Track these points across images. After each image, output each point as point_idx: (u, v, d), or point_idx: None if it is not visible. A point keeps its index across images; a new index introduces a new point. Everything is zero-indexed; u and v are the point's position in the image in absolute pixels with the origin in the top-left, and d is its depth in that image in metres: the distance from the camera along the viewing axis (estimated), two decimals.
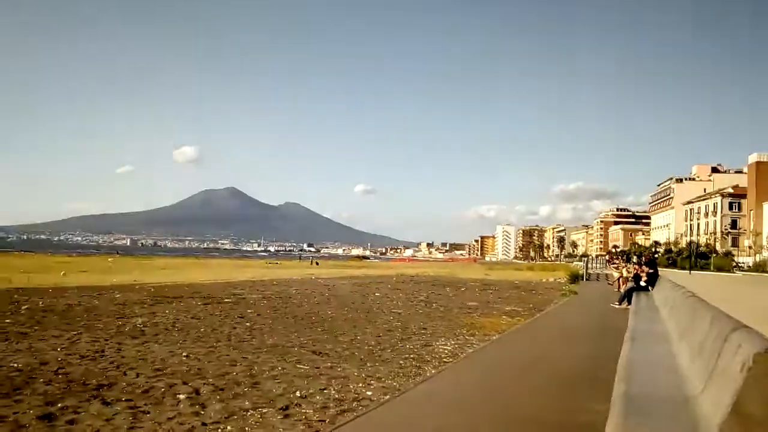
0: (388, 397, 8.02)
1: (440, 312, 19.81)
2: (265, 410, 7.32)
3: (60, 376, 8.90)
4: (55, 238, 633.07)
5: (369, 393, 8.30)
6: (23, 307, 17.55)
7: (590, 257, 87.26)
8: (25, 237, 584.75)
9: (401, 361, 10.86)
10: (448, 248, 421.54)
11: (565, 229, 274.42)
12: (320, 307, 19.97)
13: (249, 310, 18.45)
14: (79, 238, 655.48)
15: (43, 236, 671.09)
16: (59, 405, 7.33)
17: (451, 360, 11.13)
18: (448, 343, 13.11)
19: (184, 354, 10.95)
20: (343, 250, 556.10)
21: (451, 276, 49.98)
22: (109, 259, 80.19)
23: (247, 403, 7.64)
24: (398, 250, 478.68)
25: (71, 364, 9.83)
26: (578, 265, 63.65)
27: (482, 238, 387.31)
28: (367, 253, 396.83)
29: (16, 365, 9.58)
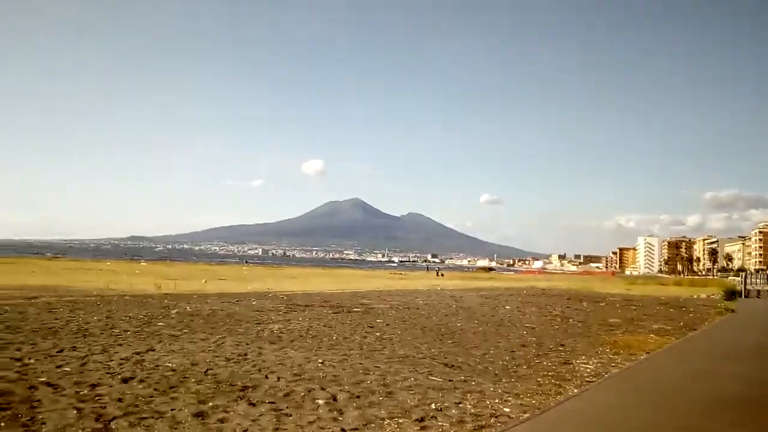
0: (527, 414, 7.90)
1: (578, 328, 19.09)
2: (401, 420, 7.45)
3: (209, 377, 9.48)
4: (196, 248, 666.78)
5: (507, 410, 8.20)
6: (173, 312, 18.74)
7: (749, 271, 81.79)
8: (170, 247, 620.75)
9: (539, 379, 10.63)
10: (582, 260, 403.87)
11: (717, 241, 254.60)
12: (449, 319, 19.96)
13: (378, 320, 18.75)
14: (217, 248, 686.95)
15: (185, 246, 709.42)
16: (210, 404, 7.81)
17: (594, 379, 10.76)
18: (590, 362, 12.66)
19: (319, 361, 11.33)
20: (468, 261, 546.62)
21: (588, 290, 48.05)
22: (244, 268, 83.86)
23: (382, 412, 7.80)
24: (527, 262, 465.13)
25: (218, 365, 10.43)
26: (734, 281, 58.74)
27: (621, 249, 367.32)
28: (493, 264, 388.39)
29: (170, 365, 10.28)
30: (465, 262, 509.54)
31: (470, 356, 12.68)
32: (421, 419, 7.52)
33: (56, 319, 15.96)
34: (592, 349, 14.51)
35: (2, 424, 6.58)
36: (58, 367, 9.77)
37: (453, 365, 11.51)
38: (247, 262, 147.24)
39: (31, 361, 10.15)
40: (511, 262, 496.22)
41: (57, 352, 11.10)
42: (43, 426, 6.59)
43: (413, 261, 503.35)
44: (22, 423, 6.64)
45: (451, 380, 10.03)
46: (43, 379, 8.80)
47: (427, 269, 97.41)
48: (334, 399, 8.38)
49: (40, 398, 7.72)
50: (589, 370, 11.70)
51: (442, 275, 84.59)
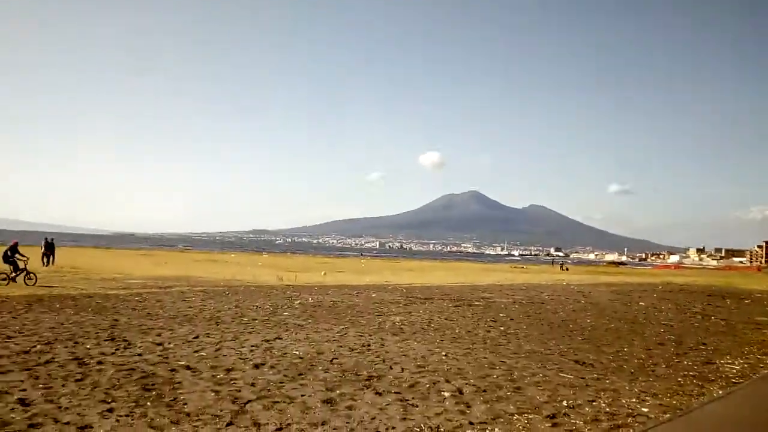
0: (668, 415, 7.55)
1: (721, 326, 18.02)
2: (531, 416, 7.31)
3: (335, 366, 9.69)
4: (314, 241, 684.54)
5: (645, 410, 7.86)
6: (296, 302, 19.30)
7: None
8: (289, 240, 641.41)
9: (679, 378, 10.11)
10: (723, 255, 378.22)
11: None
12: (577, 315, 19.41)
13: (501, 314, 18.51)
14: (334, 241, 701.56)
15: (304, 239, 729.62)
16: (337, 391, 7.98)
17: (741, 380, 10.15)
18: (736, 362, 11.94)
19: (443, 353, 11.31)
20: (596, 255, 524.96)
21: (730, 286, 45.11)
22: (362, 261, 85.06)
23: (511, 407, 7.68)
24: (661, 256, 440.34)
25: (343, 355, 10.65)
26: None
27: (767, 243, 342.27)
28: (624, 258, 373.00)
29: (297, 353, 10.62)
30: (592, 256, 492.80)
31: (602, 354, 12.26)
32: (553, 416, 7.36)
33: (190, 307, 16.81)
34: (737, 349, 13.65)
35: (148, 403, 6.97)
36: (195, 351, 10.29)
37: (584, 362, 11.17)
38: (363, 254, 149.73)
39: (171, 345, 10.74)
40: (644, 256, 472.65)
41: (193, 337, 11.70)
42: (185, 406, 6.94)
43: (535, 254, 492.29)
44: (167, 403, 7.01)
45: (582, 378, 9.75)
46: (183, 363, 9.28)
47: (552, 263, 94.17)
48: (460, 392, 8.33)
49: (180, 380, 8.14)
50: (734, 371, 11.03)
51: (567, 269, 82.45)
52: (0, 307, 14.96)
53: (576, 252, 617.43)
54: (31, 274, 23.65)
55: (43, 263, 34.54)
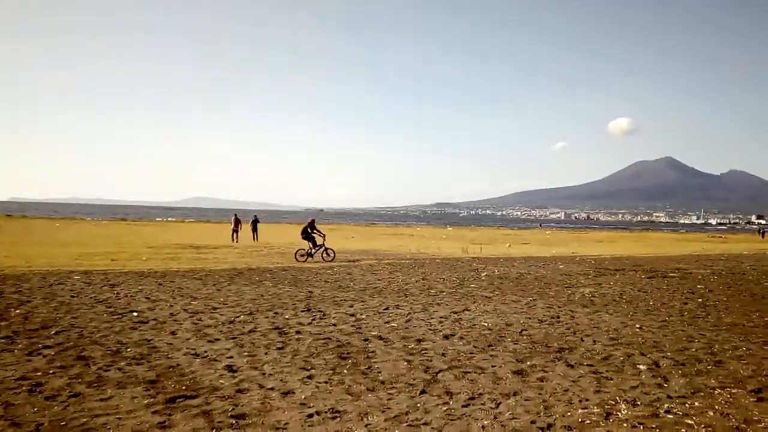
0: None
1: None
2: (734, 390, 6.89)
3: (524, 337, 9.66)
4: (498, 213, 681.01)
5: None
6: (482, 274, 19.46)
7: None
8: (473, 212, 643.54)
9: None
10: None
11: None
12: None
13: (698, 286, 17.51)
14: (519, 213, 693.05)
15: (488, 211, 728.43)
16: (528, 363, 7.96)
17: None
18: None
19: (636, 326, 10.92)
20: None
21: None
22: (546, 232, 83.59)
23: (712, 381, 7.29)
24: None
25: (532, 327, 10.58)
26: None
27: None
28: None
29: (486, 324, 10.70)
30: None
31: None
32: (758, 390, 6.89)
33: (379, 279, 17.43)
34: None
35: (345, 371, 7.36)
36: (386, 322, 10.68)
37: None
38: (540, 225, 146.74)
39: (363, 316, 11.23)
40: None
41: (384, 309, 12.15)
42: (379, 374, 7.25)
43: (734, 223, 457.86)
44: (362, 371, 7.37)
45: None
46: (375, 333, 9.68)
47: (761, 233, 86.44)
48: (657, 365, 8.01)
49: (373, 350, 8.50)
50: None
51: None
52: (205, 280, 16.29)
53: None
54: (329, 250, 25.08)
55: (254, 238, 37.38)
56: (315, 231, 25.21)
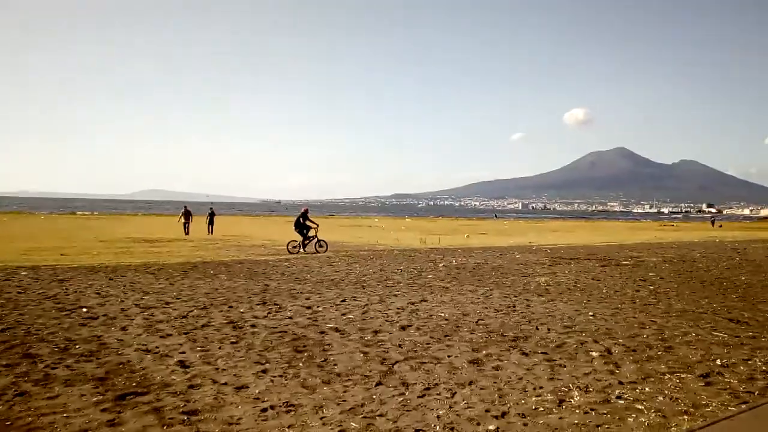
0: None
1: None
2: (683, 375, 7.03)
3: (480, 327, 9.73)
4: (457, 203, 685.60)
5: None
6: (440, 265, 19.57)
7: None
8: (431, 203, 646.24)
9: None
10: None
11: None
12: (731, 272, 18.45)
13: (650, 273, 17.87)
14: (477, 203, 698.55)
15: (446, 201, 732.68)
16: (484, 352, 8.01)
17: None
18: None
19: (590, 313, 11.09)
20: (750, 210, 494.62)
21: None
22: (504, 222, 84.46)
23: (662, 366, 7.43)
24: None
25: (488, 316, 10.67)
26: None
27: None
28: None
29: (443, 315, 10.76)
30: (746, 212, 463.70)
31: (758, 311, 11.62)
32: (706, 375, 7.05)
33: (336, 271, 17.40)
34: None
35: (300, 364, 7.31)
36: (343, 314, 10.65)
37: (739, 321, 10.62)
38: (495, 216, 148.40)
39: (320, 309, 11.18)
40: None
41: (341, 301, 12.12)
42: (335, 367, 7.22)
43: (686, 212, 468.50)
44: (318, 364, 7.33)
45: (737, 336, 9.28)
46: (331, 325, 9.64)
47: (712, 222, 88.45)
48: (609, 352, 8.14)
49: (330, 342, 8.47)
50: None
51: (720, 226, 78.36)
52: (158, 275, 16.03)
53: (729, 208, 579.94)
54: (322, 242, 24.87)
55: (209, 231, 36.86)
56: (308, 221, 24.81)
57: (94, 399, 5.92)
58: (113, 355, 7.58)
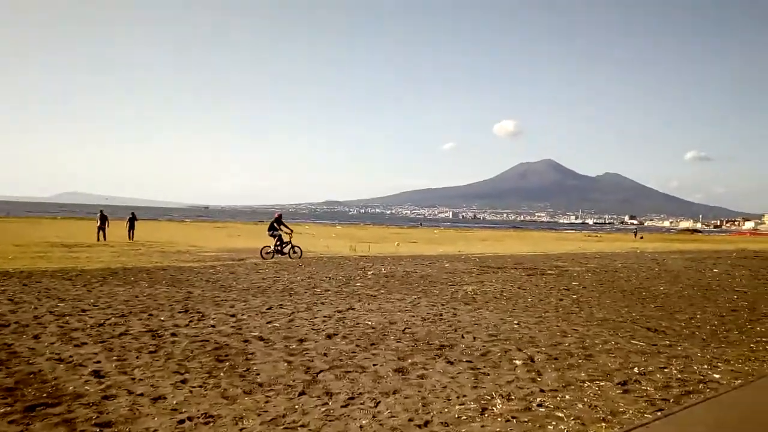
0: (740, 381, 7.37)
1: None
2: (602, 383, 7.17)
3: (407, 335, 9.72)
4: (388, 211, 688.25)
5: (716, 376, 7.66)
6: (369, 273, 19.51)
7: None
8: (363, 211, 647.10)
9: (752, 345, 9.86)
10: None
11: None
12: (650, 282, 19.03)
13: (574, 283, 18.27)
14: (408, 212, 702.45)
15: (377, 210, 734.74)
16: (409, 361, 7.99)
17: None
18: None
19: (515, 322, 11.23)
20: (670, 222, 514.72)
21: None
22: (435, 231, 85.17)
23: (582, 374, 7.56)
24: (735, 223, 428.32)
25: (415, 324, 10.67)
26: None
27: None
28: (698, 225, 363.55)
29: (370, 323, 10.70)
30: (666, 224, 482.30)
31: (675, 320, 11.99)
32: (624, 383, 7.21)
33: (263, 279, 17.15)
34: None
35: (222, 374, 7.13)
36: (269, 322, 10.47)
37: (656, 329, 10.94)
38: (420, 224, 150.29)
39: (244, 317, 10.96)
40: (718, 223, 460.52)
41: (266, 309, 11.92)
42: (258, 376, 7.07)
43: (609, 223, 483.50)
44: (240, 374, 7.16)
45: (654, 344, 9.54)
46: (256, 334, 9.46)
47: (634, 233, 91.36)
48: (532, 360, 8.25)
49: (253, 351, 8.29)
50: None
51: (642, 237, 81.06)
52: (75, 281, 15.48)
53: (651, 220, 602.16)
54: (296, 248, 24.61)
55: (129, 237, 35.83)
56: (282, 227, 24.58)
57: (2, 410, 5.64)
58: (24, 364, 7.24)
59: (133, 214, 38.58)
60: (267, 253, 24.09)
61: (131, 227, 36.81)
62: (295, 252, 24.48)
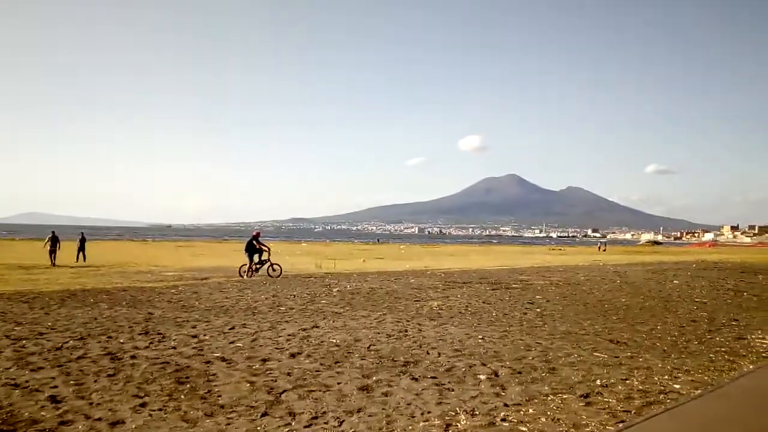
0: (699, 391, 7.46)
1: (753, 302, 17.92)
2: (565, 396, 7.21)
3: (372, 352, 9.66)
4: (354, 228, 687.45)
5: (677, 386, 7.76)
6: (334, 290, 19.39)
7: None
8: (328, 227, 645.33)
9: (711, 355, 10.02)
10: (757, 231, 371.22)
11: None
12: (612, 295, 19.23)
13: (537, 296, 18.38)
14: (374, 228, 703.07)
15: (343, 226, 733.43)
16: (374, 378, 7.95)
17: None
18: (767, 337, 11.83)
19: (479, 337, 11.24)
20: (632, 235, 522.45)
21: (764, 262, 44.77)
22: (401, 247, 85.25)
23: (546, 387, 7.59)
24: (695, 235, 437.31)
25: (380, 341, 10.62)
26: None
27: None
28: (659, 238, 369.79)
29: (334, 341, 10.61)
30: (628, 236, 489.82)
31: (636, 332, 12.13)
32: (586, 395, 7.25)
33: (227, 298, 16.96)
34: None
35: (182, 396, 7.01)
36: (231, 342, 10.33)
37: (618, 341, 11.05)
38: (378, 240, 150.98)
39: (206, 337, 10.80)
40: (679, 235, 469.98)
41: (229, 329, 11.75)
42: (219, 398, 6.96)
43: (573, 236, 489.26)
44: (201, 396, 7.04)
45: (616, 356, 9.63)
46: (218, 355, 9.32)
47: (598, 246, 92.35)
48: (496, 375, 8.26)
49: (215, 372, 8.17)
50: (766, 345, 10.96)
51: (604, 250, 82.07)
52: (32, 303, 15.16)
53: (613, 233, 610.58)
54: (275, 266, 24.50)
55: (77, 258, 34.57)
56: (260, 245, 24.51)
57: None
58: None
59: (82, 234, 37.10)
60: (245, 271, 24.01)
61: (81, 248, 35.51)
62: (274, 270, 24.35)
